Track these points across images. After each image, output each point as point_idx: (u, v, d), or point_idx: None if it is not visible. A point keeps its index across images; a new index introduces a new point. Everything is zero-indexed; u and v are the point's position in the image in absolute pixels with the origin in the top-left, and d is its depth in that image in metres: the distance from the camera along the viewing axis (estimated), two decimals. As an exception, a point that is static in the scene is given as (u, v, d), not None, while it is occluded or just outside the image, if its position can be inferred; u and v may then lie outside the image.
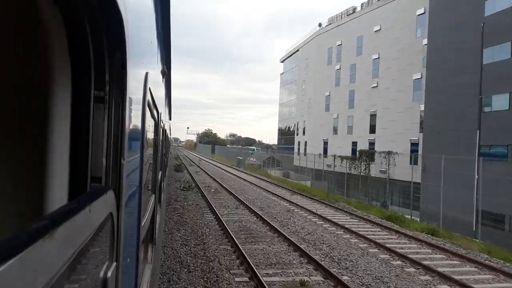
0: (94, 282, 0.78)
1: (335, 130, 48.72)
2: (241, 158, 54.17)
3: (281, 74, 77.06)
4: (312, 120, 54.39)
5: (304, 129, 58.23)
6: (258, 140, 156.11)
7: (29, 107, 0.87)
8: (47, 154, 0.85)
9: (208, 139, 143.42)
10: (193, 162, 56.79)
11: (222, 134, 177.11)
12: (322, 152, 45.17)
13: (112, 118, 0.94)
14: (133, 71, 1.08)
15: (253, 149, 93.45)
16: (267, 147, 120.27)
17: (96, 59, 0.89)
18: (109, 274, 0.85)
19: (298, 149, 58.16)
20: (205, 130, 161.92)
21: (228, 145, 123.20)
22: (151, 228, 2.72)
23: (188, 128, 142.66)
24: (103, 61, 0.91)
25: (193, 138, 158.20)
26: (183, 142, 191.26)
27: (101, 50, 0.89)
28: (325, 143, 50.21)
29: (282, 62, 75.93)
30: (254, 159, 53.05)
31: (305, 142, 56.38)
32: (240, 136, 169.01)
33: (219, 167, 48.94)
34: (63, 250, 0.54)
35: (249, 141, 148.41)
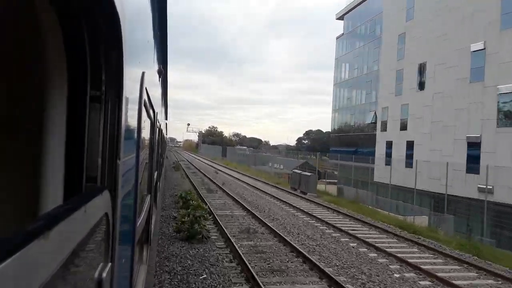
0: (89, 283, 0.77)
1: (506, 118, 22.14)
2: (309, 175, 26.45)
3: (337, 38, 49.93)
4: (431, 101, 27.80)
5: (405, 119, 30.73)
6: (265, 141, 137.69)
7: (26, 106, 0.87)
8: (43, 153, 0.85)
9: (212, 138, 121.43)
10: (207, 176, 32.71)
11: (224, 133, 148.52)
12: (465, 161, 23.24)
13: (108, 117, 0.94)
14: (129, 71, 1.08)
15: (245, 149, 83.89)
16: (273, 147, 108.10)
17: (92, 59, 0.88)
18: (104, 274, 0.84)
19: (389, 153, 31.59)
20: (209, 127, 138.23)
21: (236, 146, 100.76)
22: (147, 229, 2.72)
23: (188, 125, 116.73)
24: (99, 60, 0.90)
25: (194, 137, 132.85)
26: (180, 142, 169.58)
27: (98, 50, 0.89)
28: (472, 144, 23.58)
29: (341, 18, 48.38)
30: (282, 167, 39.70)
31: (410, 143, 29.63)
32: (245, 136, 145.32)
33: (265, 192, 24.50)
34: (58, 251, 0.54)
35: (255, 142, 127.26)
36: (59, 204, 0.84)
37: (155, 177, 3.67)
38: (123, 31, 0.91)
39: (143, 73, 1.50)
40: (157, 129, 3.45)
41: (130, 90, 1.12)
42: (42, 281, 0.47)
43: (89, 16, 0.84)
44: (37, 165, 0.84)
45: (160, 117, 4.25)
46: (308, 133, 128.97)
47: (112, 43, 0.91)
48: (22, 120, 0.88)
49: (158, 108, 3.59)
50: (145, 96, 1.55)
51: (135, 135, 1.35)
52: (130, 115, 1.13)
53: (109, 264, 0.91)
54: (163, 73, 3.78)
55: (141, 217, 1.97)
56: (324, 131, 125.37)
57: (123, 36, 0.93)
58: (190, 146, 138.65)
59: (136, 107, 1.34)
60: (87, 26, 0.85)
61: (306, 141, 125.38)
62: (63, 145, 0.87)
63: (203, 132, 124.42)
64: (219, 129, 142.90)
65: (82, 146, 0.89)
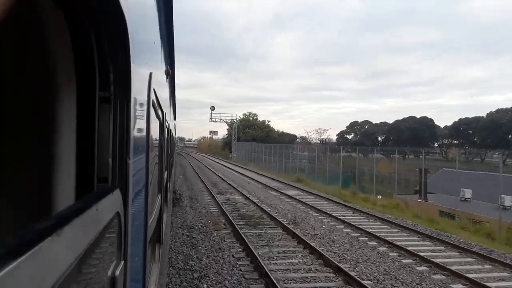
0: (103, 280, 0.79)
1: None
2: None
3: None
4: None
5: None
6: (300, 136, 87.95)
7: (36, 108, 0.88)
8: (54, 155, 0.86)
9: (252, 133, 70.70)
10: None
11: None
12: None
13: (117, 118, 0.95)
14: (137, 72, 1.09)
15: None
16: (306, 143, 73.76)
17: (100, 60, 0.90)
18: (117, 272, 0.86)
19: None
20: (244, 115, 78.66)
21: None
22: (158, 228, 2.74)
23: (213, 109, 61.54)
24: (107, 62, 0.92)
25: (219, 130, 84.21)
26: (193, 140, 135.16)
27: (105, 51, 0.90)
28: None
29: None
30: None
31: None
32: (277, 131, 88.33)
33: None
34: (71, 248, 0.55)
35: (288, 138, 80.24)
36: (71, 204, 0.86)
37: (165, 177, 3.70)
38: (129, 32, 0.92)
39: (150, 74, 1.51)
40: (166, 129, 3.47)
41: (138, 90, 1.14)
42: (56, 278, 0.48)
43: (96, 18, 0.85)
44: (48, 166, 0.86)
45: (169, 117, 4.28)
46: (352, 126, 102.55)
47: (119, 44, 0.92)
48: (33, 122, 0.90)
49: (166, 109, 3.61)
50: (153, 97, 1.56)
51: (144, 135, 1.36)
52: (139, 116, 1.14)
53: (122, 262, 0.93)
54: (170, 74, 3.81)
55: (152, 216, 1.99)
56: (375, 123, 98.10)
57: (130, 37, 0.94)
58: (210, 147, 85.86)
59: (145, 107, 1.35)
60: (94, 28, 0.86)
61: (351, 135, 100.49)
62: (74, 146, 0.88)
63: (237, 121, 66.65)
64: (260, 118, 79.70)
65: (92, 147, 0.91)
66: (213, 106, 63.03)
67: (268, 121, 79.60)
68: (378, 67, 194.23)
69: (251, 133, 70.90)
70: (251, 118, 78.90)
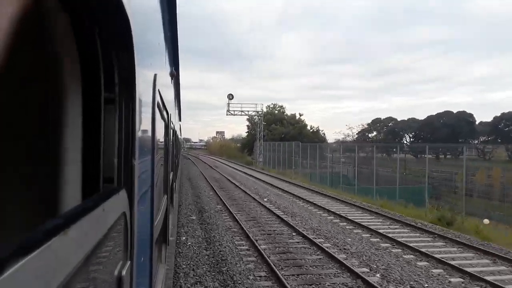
0: (110, 280, 0.79)
1: None
2: None
3: None
4: None
5: None
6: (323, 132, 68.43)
7: (41, 110, 0.89)
8: (60, 155, 0.87)
9: (281, 130, 55.28)
10: None
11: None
12: None
13: (122, 119, 0.96)
14: (141, 73, 1.09)
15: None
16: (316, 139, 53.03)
17: (105, 62, 0.90)
18: (124, 272, 0.86)
19: None
20: (269, 107, 61.37)
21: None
22: (164, 228, 2.75)
23: (230, 98, 45.13)
24: (111, 63, 0.92)
25: (226, 131, 71.65)
26: (200, 141, 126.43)
27: (109, 52, 0.91)
28: None
29: None
30: None
31: None
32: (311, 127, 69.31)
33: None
34: (78, 248, 0.55)
35: (317, 137, 57.17)
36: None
37: (170, 177, 3.72)
38: (133, 33, 0.93)
39: (155, 75, 1.52)
40: (171, 130, 3.49)
41: (143, 92, 1.14)
42: (63, 277, 0.49)
43: (100, 20, 0.86)
44: (54, 166, 0.86)
45: (174, 118, 4.30)
46: (375, 123, 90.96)
47: (123, 45, 0.93)
48: (39, 123, 0.91)
49: (172, 110, 3.62)
50: (158, 98, 1.57)
51: (150, 136, 1.37)
52: (144, 117, 1.15)
53: (129, 262, 0.94)
54: (175, 75, 3.82)
55: (158, 217, 2.00)
56: (400, 119, 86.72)
57: (134, 39, 0.94)
58: (223, 149, 68.71)
59: (150, 108, 1.36)
60: (98, 29, 0.86)
61: (374, 133, 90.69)
62: (79, 147, 0.89)
63: (262, 114, 50.84)
64: (288, 112, 63.07)
65: (98, 148, 0.91)
66: (231, 94, 47.30)
67: (300, 115, 59.90)
68: (384, 65, 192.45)
69: (279, 130, 53.95)
70: (276, 112, 60.55)
